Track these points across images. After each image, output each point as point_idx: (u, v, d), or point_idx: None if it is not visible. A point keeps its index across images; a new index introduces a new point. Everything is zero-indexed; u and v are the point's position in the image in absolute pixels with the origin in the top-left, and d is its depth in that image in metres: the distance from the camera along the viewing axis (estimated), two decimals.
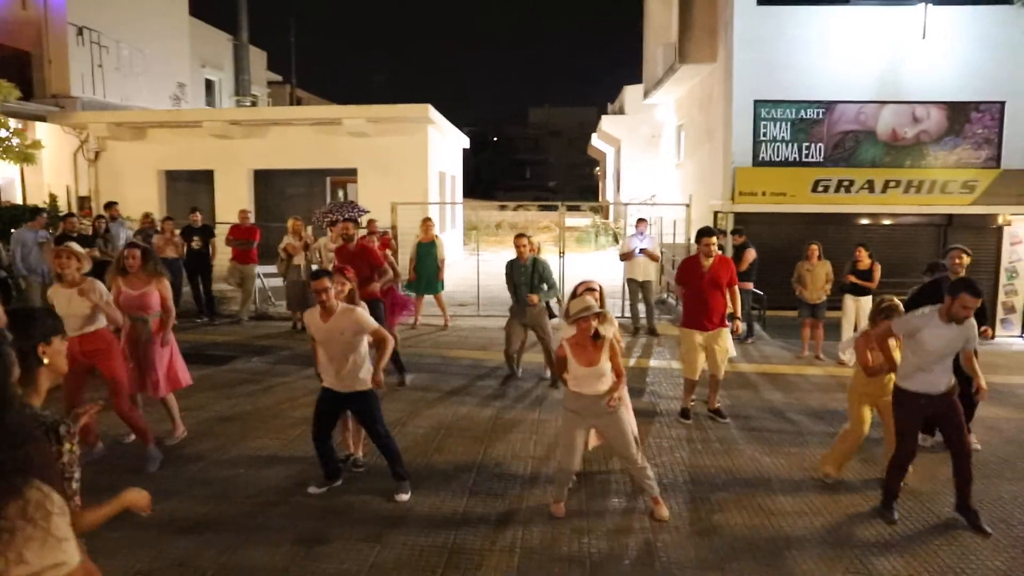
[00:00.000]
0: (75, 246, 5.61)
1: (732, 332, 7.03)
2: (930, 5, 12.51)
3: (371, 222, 11.17)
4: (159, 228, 11.07)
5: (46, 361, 2.33)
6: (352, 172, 15.62)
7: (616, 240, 22.81)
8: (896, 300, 5.56)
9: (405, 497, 5.06)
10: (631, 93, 25.26)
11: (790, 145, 13.24)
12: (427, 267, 10.93)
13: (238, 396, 7.57)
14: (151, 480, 5.35)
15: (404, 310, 9.30)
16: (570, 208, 33.81)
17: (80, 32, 15.95)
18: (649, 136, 23.13)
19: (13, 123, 13.82)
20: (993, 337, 7.01)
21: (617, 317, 8.41)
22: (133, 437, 6.06)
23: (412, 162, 14.91)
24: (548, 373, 8.12)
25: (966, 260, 6.30)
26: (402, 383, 7.89)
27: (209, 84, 23.81)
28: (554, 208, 15.70)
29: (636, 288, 10.89)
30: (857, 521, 4.90)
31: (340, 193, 19.05)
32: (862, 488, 5.42)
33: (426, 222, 10.91)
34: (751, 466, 5.87)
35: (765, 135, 13.23)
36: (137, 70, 17.87)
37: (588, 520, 4.81)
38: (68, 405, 5.45)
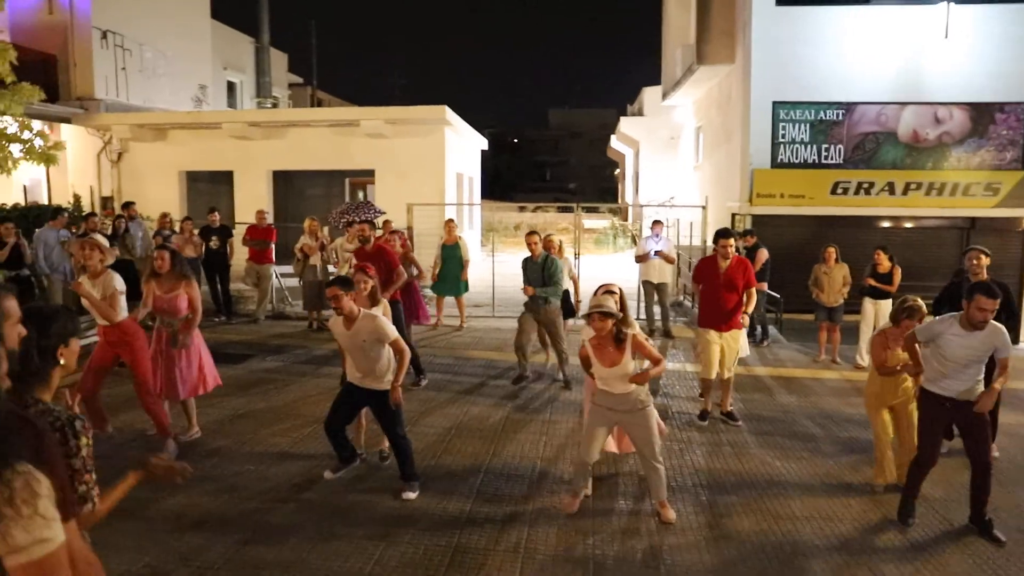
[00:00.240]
0: (99, 238, 5.74)
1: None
2: (952, 4, 12.33)
3: (387, 223, 11.24)
4: (178, 228, 11.21)
5: (62, 362, 2.37)
6: (370, 173, 15.72)
7: (634, 242, 22.73)
8: (919, 300, 5.48)
9: (412, 495, 5.08)
10: (650, 95, 25.18)
11: (809, 147, 13.11)
12: (451, 269, 10.98)
13: (252, 394, 7.64)
14: None
15: (420, 316, 9.29)
16: (588, 210, 33.93)
17: (104, 36, 16.21)
18: (668, 138, 23.03)
19: (37, 125, 14.08)
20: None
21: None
22: (193, 434, 6.25)
23: (429, 163, 14.97)
24: (561, 375, 8.10)
25: (985, 261, 6.09)
26: (417, 384, 7.92)
27: (231, 86, 24.09)
28: (572, 209, 15.66)
29: (651, 290, 10.84)
30: (868, 527, 4.83)
31: (360, 194, 19.15)
32: (875, 493, 5.35)
33: (449, 224, 10.97)
34: (762, 470, 5.81)
35: (784, 136, 13.11)
36: (160, 72, 18.13)
37: (594, 522, 4.79)
38: (81, 394, 5.53)
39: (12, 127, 11.60)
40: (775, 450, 6.25)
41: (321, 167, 16.09)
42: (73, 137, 15.98)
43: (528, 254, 7.95)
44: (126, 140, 15.82)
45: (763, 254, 10.13)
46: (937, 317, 4.88)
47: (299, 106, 28.89)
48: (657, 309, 10.97)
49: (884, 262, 8.85)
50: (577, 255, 12.04)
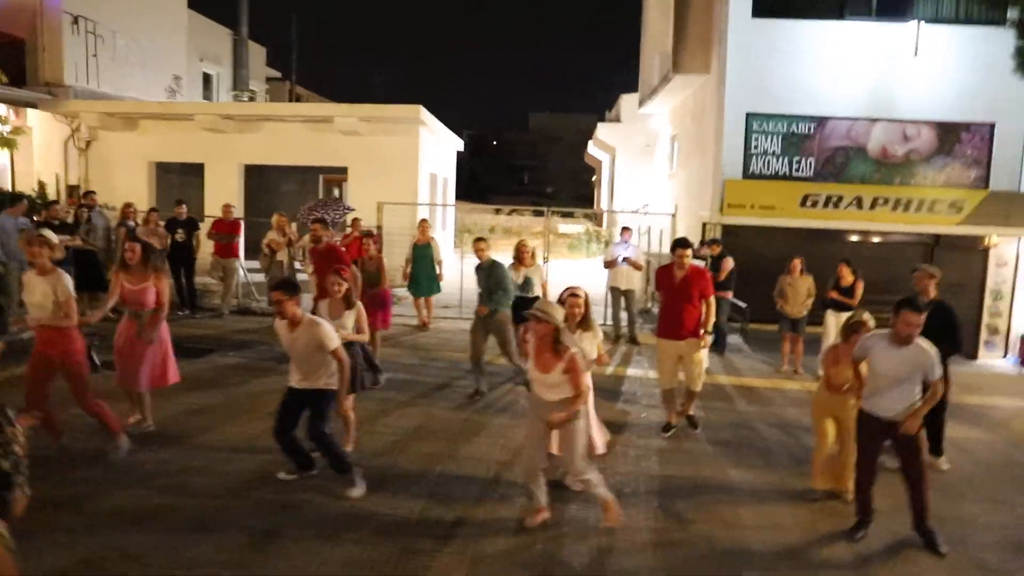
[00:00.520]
0: (49, 233, 5.62)
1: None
2: (923, 23, 12.54)
3: (355, 220, 11.16)
4: (143, 219, 11.03)
5: None
6: (343, 171, 15.59)
7: (607, 247, 22.82)
8: (866, 316, 5.54)
9: (357, 492, 5.02)
10: (627, 102, 25.28)
11: (781, 159, 13.24)
12: (423, 269, 10.92)
13: (210, 389, 7.54)
14: (110, 470, 5.32)
15: (382, 316, 9.18)
16: (564, 215, 33.96)
17: (76, 21, 15.89)
18: (644, 145, 23.17)
19: (1, 108, 13.80)
20: None
21: (599, 325, 8.40)
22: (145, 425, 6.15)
23: (402, 163, 14.88)
24: (519, 378, 8.04)
25: (929, 282, 6.16)
26: (376, 383, 7.83)
27: (207, 78, 23.76)
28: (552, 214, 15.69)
29: (619, 296, 10.88)
30: (817, 537, 4.88)
31: (335, 191, 19.01)
32: (826, 503, 5.40)
33: (423, 223, 10.91)
34: (716, 478, 5.85)
35: (756, 148, 13.23)
36: (132, 61, 17.81)
37: (545, 526, 4.78)
38: (29, 397, 5.40)
39: None
40: (731, 458, 6.30)
41: (294, 163, 15.93)
42: (40, 123, 15.65)
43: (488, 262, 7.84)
44: (95, 128, 15.53)
45: (729, 263, 10.22)
46: (869, 334, 4.96)
47: (277, 101, 28.61)
48: (624, 316, 11.01)
49: (847, 275, 8.97)
50: (546, 259, 12.04)
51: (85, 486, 5.05)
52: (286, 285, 5.04)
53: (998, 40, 12.66)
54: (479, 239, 7.87)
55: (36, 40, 15.62)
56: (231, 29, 24.48)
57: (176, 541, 4.34)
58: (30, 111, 15.40)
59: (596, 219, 31.30)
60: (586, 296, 5.33)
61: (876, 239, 13.37)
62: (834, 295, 9.00)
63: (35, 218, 10.58)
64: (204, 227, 11.68)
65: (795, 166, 13.20)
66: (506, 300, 7.57)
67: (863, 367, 4.99)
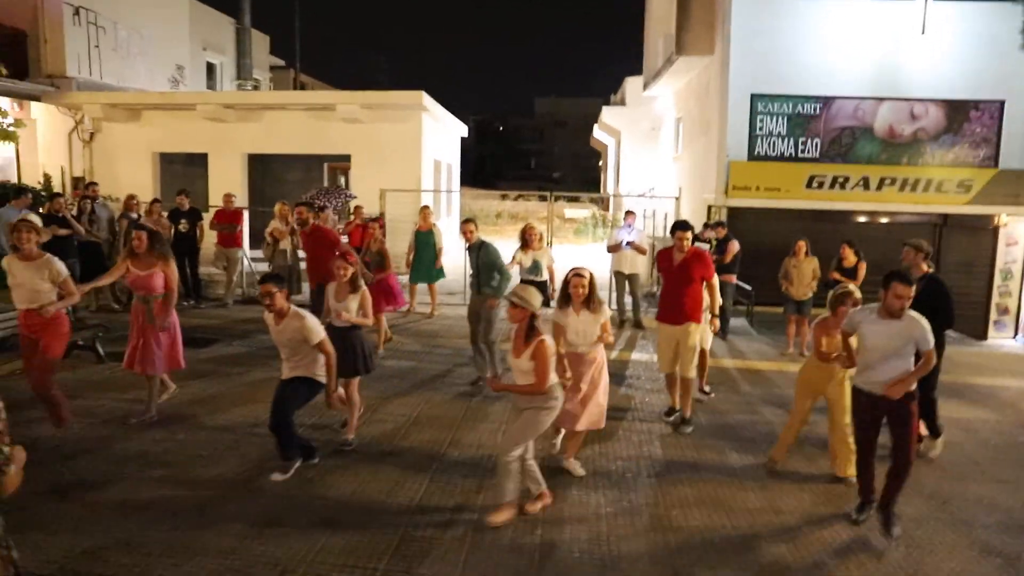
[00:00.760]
0: (34, 218, 5.65)
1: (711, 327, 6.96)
2: (930, 0, 12.35)
3: (357, 208, 11.14)
4: (146, 211, 11.03)
5: None
6: (346, 158, 15.56)
7: (612, 232, 22.74)
8: (850, 286, 5.61)
9: (279, 477, 5.02)
10: (632, 85, 25.08)
11: (786, 140, 13.11)
12: (425, 255, 10.88)
13: (213, 378, 7.56)
14: (109, 459, 5.35)
15: (394, 300, 9.26)
16: (569, 199, 33.83)
17: (77, 12, 15.87)
18: (649, 128, 22.98)
19: (5, 101, 13.83)
20: None
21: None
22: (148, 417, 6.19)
23: (405, 149, 14.83)
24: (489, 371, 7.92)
25: (917, 256, 6.02)
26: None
27: (211, 67, 23.70)
28: (556, 199, 15.58)
29: (622, 280, 10.84)
30: (817, 520, 4.85)
31: (341, 179, 18.99)
32: (829, 486, 5.37)
33: (424, 210, 10.86)
34: (718, 462, 5.82)
35: (761, 129, 13.10)
36: (135, 52, 17.80)
37: (543, 510, 4.77)
38: (28, 377, 5.49)
39: None
40: (734, 442, 6.27)
41: (297, 151, 15.91)
42: (43, 115, 15.68)
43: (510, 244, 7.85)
44: (98, 120, 15.54)
45: (734, 246, 10.14)
46: (858, 308, 4.91)
47: (281, 89, 28.53)
48: (628, 300, 10.97)
49: (850, 256, 8.90)
50: (549, 243, 11.97)
51: (87, 475, 5.08)
52: (275, 278, 5.05)
53: (1007, 17, 12.49)
54: (467, 220, 7.70)
55: (38, 32, 15.61)
56: (234, 18, 24.35)
57: (176, 529, 4.36)
58: (34, 104, 15.43)
59: (602, 203, 31.17)
60: (591, 276, 5.31)
61: (884, 219, 13.25)
62: (836, 276, 8.92)
63: (40, 210, 10.61)
64: (208, 217, 11.68)
65: (801, 147, 13.08)
66: (498, 281, 7.23)
67: (853, 341, 4.94)
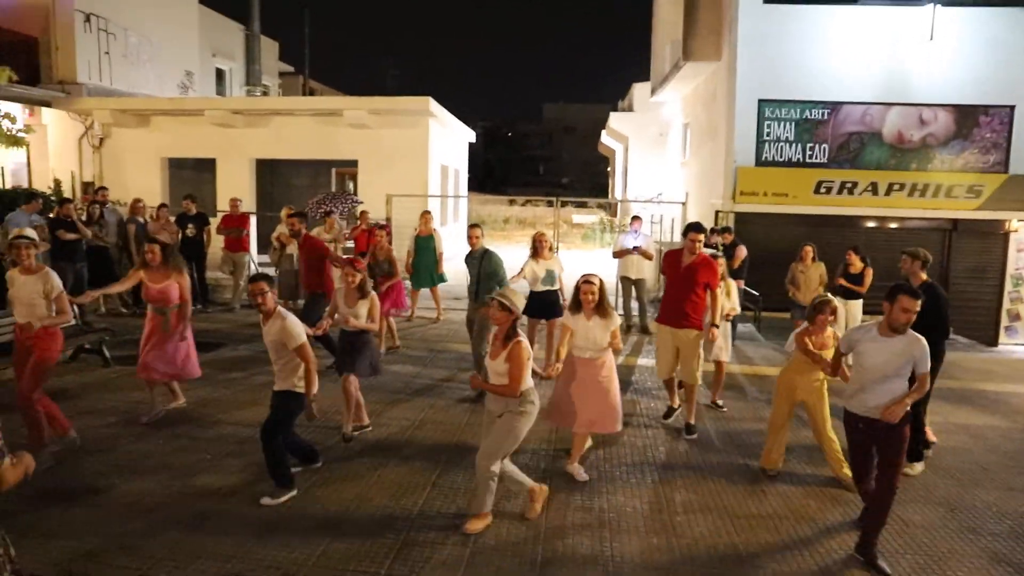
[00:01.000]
0: (30, 232, 5.70)
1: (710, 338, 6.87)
2: (938, 6, 12.31)
3: (363, 213, 11.16)
4: (153, 215, 11.10)
5: None
6: (354, 164, 15.60)
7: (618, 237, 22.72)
8: (828, 295, 5.64)
9: (271, 501, 4.79)
10: (640, 91, 25.08)
11: (794, 145, 13.08)
12: (425, 260, 10.86)
13: (219, 382, 7.57)
14: (114, 463, 5.36)
15: (398, 304, 9.31)
16: (577, 205, 33.80)
17: (88, 19, 16.01)
18: (656, 134, 22.98)
19: (15, 107, 13.95)
20: None
21: None
22: (151, 417, 6.26)
23: (412, 155, 14.86)
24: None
25: (914, 264, 5.94)
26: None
27: (220, 74, 23.86)
28: (564, 204, 15.57)
29: (629, 285, 10.80)
30: (827, 526, 4.80)
31: (350, 184, 19.04)
32: (836, 492, 5.32)
33: (425, 215, 10.84)
34: (723, 468, 5.77)
35: (769, 135, 13.08)
36: (144, 58, 17.93)
37: (545, 516, 4.75)
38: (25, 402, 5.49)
39: None
40: (739, 448, 6.22)
41: (305, 156, 15.96)
42: (54, 121, 15.81)
43: (509, 250, 7.82)
44: (108, 125, 15.65)
45: (742, 251, 10.10)
46: (857, 326, 4.85)
47: (290, 95, 28.67)
48: (635, 305, 10.94)
49: (856, 262, 8.84)
50: (556, 249, 11.95)
51: (93, 478, 5.09)
52: (267, 277, 5.03)
53: (1017, 22, 12.43)
54: (473, 225, 7.63)
55: (49, 39, 15.76)
56: (243, 24, 24.53)
57: (179, 533, 4.35)
58: (44, 109, 15.56)
59: (610, 209, 31.14)
60: (601, 282, 5.32)
61: (892, 225, 13.18)
62: (842, 282, 8.87)
63: (50, 215, 10.68)
64: (216, 222, 11.73)
65: (808, 152, 13.04)
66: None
67: (848, 360, 4.80)
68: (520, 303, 4.54)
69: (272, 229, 11.18)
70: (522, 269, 7.95)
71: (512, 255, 11.65)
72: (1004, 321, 13.07)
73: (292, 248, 10.61)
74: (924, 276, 5.82)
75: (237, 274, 11.48)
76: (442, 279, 11.05)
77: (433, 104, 14.80)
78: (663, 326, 6.55)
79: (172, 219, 11.01)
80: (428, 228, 10.75)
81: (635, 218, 10.75)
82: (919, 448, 5.83)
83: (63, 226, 9.84)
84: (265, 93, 23.76)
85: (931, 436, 6.14)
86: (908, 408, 4.25)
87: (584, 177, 64.71)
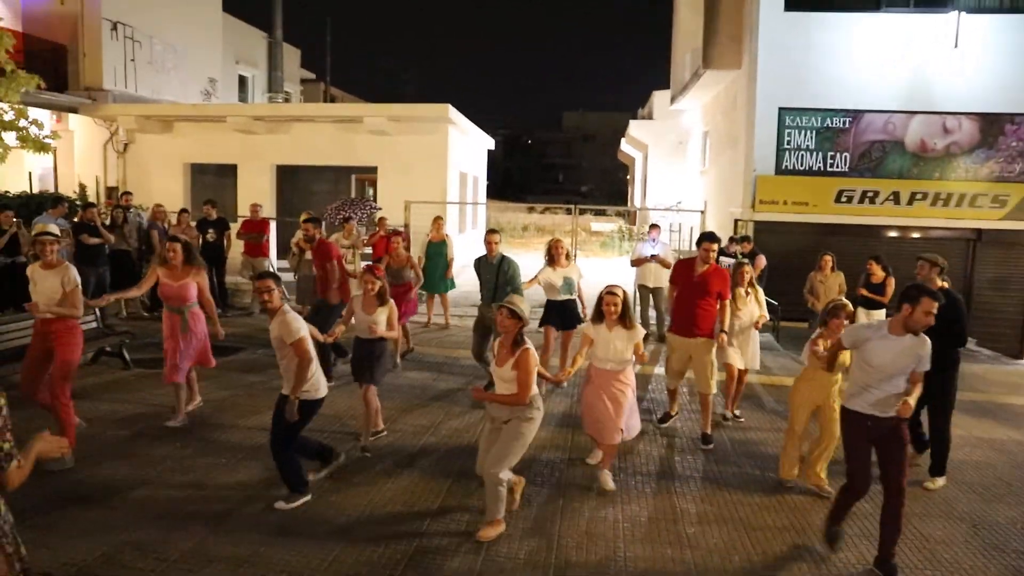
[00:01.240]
0: (53, 228, 5.82)
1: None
2: (963, 13, 12.16)
3: (382, 220, 11.21)
4: (176, 220, 11.24)
5: None
6: (373, 170, 15.70)
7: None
8: (843, 299, 5.54)
9: (284, 505, 4.80)
10: (660, 99, 25.03)
11: (815, 154, 12.98)
12: (437, 266, 10.88)
13: (236, 387, 7.62)
14: (131, 465, 5.40)
15: (410, 311, 9.25)
16: (596, 212, 33.76)
17: (114, 27, 16.29)
18: (676, 142, 22.92)
19: (43, 113, 14.19)
20: None
21: None
22: (177, 422, 6.25)
23: (431, 161, 14.92)
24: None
25: (932, 271, 5.87)
26: (343, 356, 7.85)
27: (242, 80, 24.17)
28: (582, 212, 15.56)
29: (647, 294, 10.75)
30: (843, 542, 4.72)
31: (369, 191, 19.17)
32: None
33: (437, 221, 10.86)
34: (740, 479, 5.71)
35: (789, 143, 12.99)
36: (169, 65, 18.21)
37: (559, 526, 4.73)
38: (25, 386, 5.56)
39: (8, 114, 11.64)
40: (756, 459, 6.16)
41: (325, 163, 16.10)
42: (80, 127, 16.09)
43: (529, 256, 7.72)
44: (132, 131, 15.89)
45: (761, 260, 10.03)
46: (866, 322, 4.73)
47: (311, 102, 28.95)
48: (653, 313, 10.88)
49: (877, 272, 8.73)
50: (574, 256, 11.91)
51: (109, 481, 5.14)
52: (273, 275, 5.06)
53: None
54: (491, 231, 7.57)
55: (77, 46, 16.06)
56: (266, 32, 24.85)
57: (193, 536, 4.38)
58: (71, 115, 15.84)
59: (629, 217, 31.07)
60: (625, 294, 5.26)
61: (915, 235, 13.00)
62: (864, 292, 8.75)
63: (75, 219, 10.85)
64: (236, 227, 11.85)
65: (829, 161, 12.93)
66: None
67: (846, 355, 4.79)
68: (527, 310, 4.57)
69: (291, 234, 11.27)
70: (536, 276, 7.71)
71: (531, 262, 11.62)
72: None
73: (311, 254, 10.69)
74: (940, 282, 5.76)
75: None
76: (452, 285, 11.06)
77: (452, 111, 14.86)
78: (675, 336, 6.56)
79: (193, 224, 11.14)
80: (440, 234, 10.76)
81: (653, 226, 10.71)
82: (939, 460, 5.74)
83: (86, 230, 9.99)
84: (287, 100, 24.02)
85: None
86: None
87: (604, 185, 64.62)
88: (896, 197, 12.55)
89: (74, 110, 15.65)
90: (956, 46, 12.22)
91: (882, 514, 4.36)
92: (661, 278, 10.71)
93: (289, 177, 17.20)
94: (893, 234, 13.00)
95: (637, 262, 10.55)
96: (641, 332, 5.28)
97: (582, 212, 31.28)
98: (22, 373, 5.73)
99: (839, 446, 4.87)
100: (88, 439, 5.86)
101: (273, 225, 13.30)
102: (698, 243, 6.58)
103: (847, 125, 12.83)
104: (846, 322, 5.31)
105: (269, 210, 14.73)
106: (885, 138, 12.78)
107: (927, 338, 4.25)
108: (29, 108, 12.35)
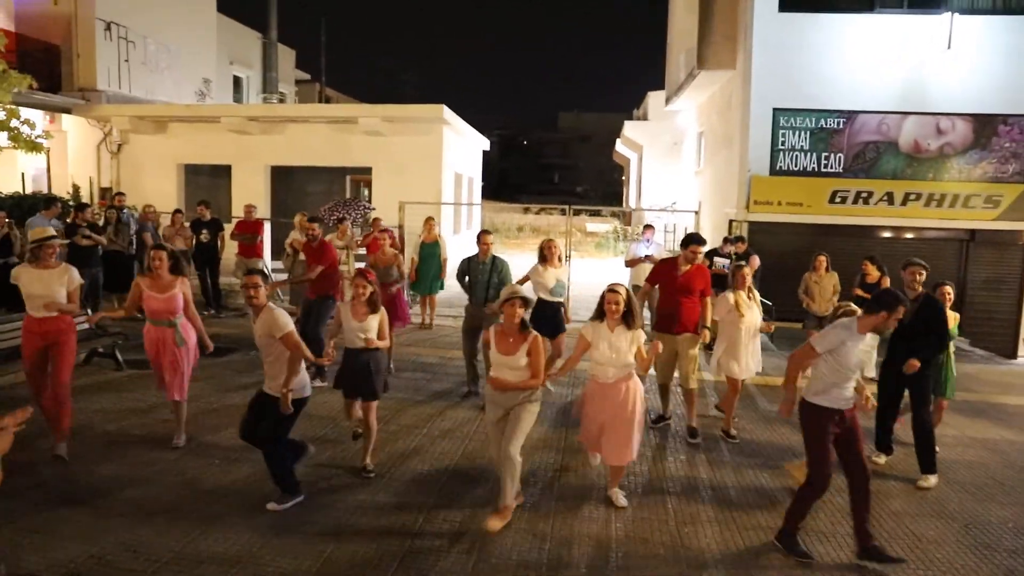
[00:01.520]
0: (50, 231, 5.80)
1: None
2: (956, 14, 12.19)
3: (376, 220, 11.19)
4: (169, 221, 11.21)
5: None
6: (368, 171, 15.69)
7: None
8: (852, 305, 5.41)
9: (276, 507, 4.76)
10: (655, 99, 25.06)
11: (809, 155, 12.98)
12: (430, 267, 10.87)
13: (229, 389, 7.60)
14: (124, 469, 5.38)
15: (403, 319, 8.95)
16: (591, 213, 33.77)
17: (108, 27, 16.26)
18: (671, 143, 22.94)
19: (36, 113, 14.14)
20: None
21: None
22: (181, 440, 5.96)
23: (426, 162, 14.92)
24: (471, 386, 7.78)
25: (923, 277, 5.96)
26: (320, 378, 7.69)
27: (237, 81, 24.14)
28: (577, 213, 15.56)
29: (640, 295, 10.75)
30: (832, 540, 4.73)
31: (365, 192, 19.15)
32: (845, 504, 5.24)
33: (429, 222, 10.83)
34: (733, 478, 5.72)
35: (783, 144, 12.99)
36: (163, 65, 18.17)
37: (551, 526, 4.72)
38: (32, 388, 5.56)
39: None
40: (750, 459, 6.16)
41: (319, 163, 16.08)
42: (74, 128, 16.05)
43: (473, 254, 7.54)
44: (126, 132, 15.86)
45: (755, 261, 10.03)
46: (835, 323, 4.60)
47: (307, 103, 28.93)
48: (647, 314, 10.87)
49: (872, 272, 8.74)
50: (568, 257, 11.92)
51: (101, 481, 5.12)
52: (262, 272, 5.02)
53: None
54: (485, 232, 7.56)
55: (71, 47, 16.02)
56: (261, 32, 24.82)
57: (185, 537, 4.36)
58: (64, 116, 15.80)
59: (624, 217, 31.10)
60: (628, 293, 5.00)
61: (909, 235, 13.02)
62: (859, 292, 8.76)
63: (67, 220, 10.81)
64: (230, 228, 11.82)
65: (824, 162, 12.94)
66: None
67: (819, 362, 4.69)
68: (528, 293, 4.80)
69: (285, 235, 11.24)
70: (527, 275, 7.56)
71: (526, 264, 11.62)
72: (1023, 333, 12.87)
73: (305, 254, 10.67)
74: (920, 288, 5.93)
75: None
76: (441, 286, 11.04)
77: (447, 112, 14.86)
78: (660, 333, 6.62)
79: (187, 225, 11.11)
80: (432, 234, 10.75)
81: (647, 227, 10.73)
82: (928, 455, 5.81)
83: (79, 231, 9.95)
84: (282, 100, 24.02)
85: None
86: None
87: (599, 186, 64.70)
88: (890, 198, 12.57)
89: (67, 111, 15.61)
90: (949, 47, 12.24)
91: (853, 503, 4.48)
92: None
93: (283, 178, 17.16)
94: (887, 235, 13.01)
95: (631, 263, 10.57)
96: (642, 335, 5.02)
97: (577, 213, 31.36)
98: (29, 380, 5.70)
99: None
100: (80, 440, 5.84)
101: (267, 226, 13.27)
102: (684, 244, 6.62)
103: (841, 126, 12.85)
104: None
105: (263, 211, 14.70)
106: (879, 139, 12.80)
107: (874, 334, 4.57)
108: (22, 108, 12.31)
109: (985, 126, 12.61)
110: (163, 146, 15.79)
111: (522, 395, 4.65)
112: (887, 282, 8.80)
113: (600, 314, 5.01)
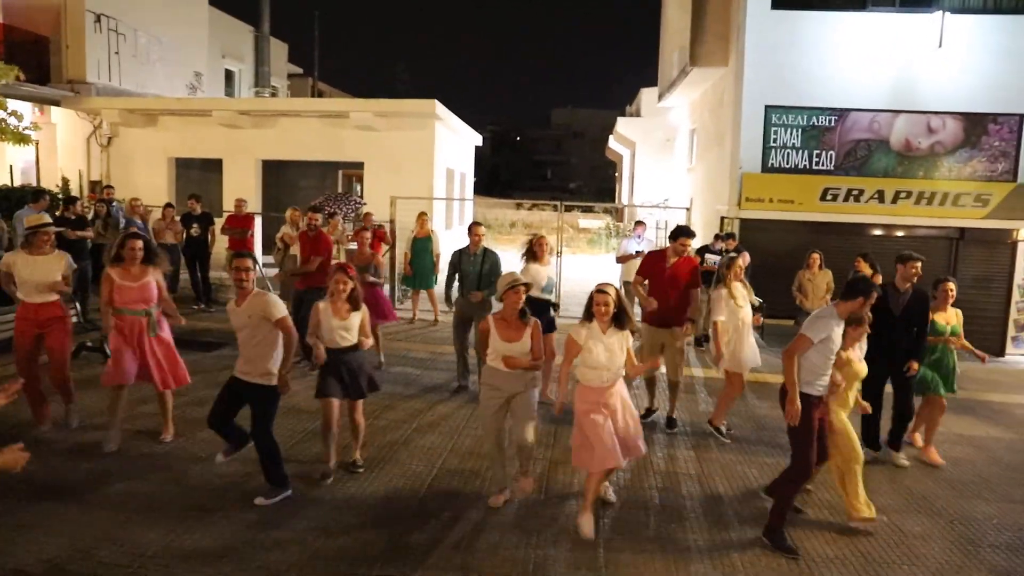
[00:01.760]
0: (45, 217, 5.82)
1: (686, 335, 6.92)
2: (948, 13, 12.23)
3: (367, 215, 11.16)
4: (160, 215, 11.14)
5: None
6: (360, 166, 15.63)
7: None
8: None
9: (264, 501, 4.75)
10: (647, 96, 25.08)
11: (800, 152, 13.01)
12: (424, 262, 10.85)
13: (218, 383, 7.51)
14: (111, 463, 5.36)
15: (384, 315, 8.68)
16: (583, 209, 33.77)
17: (98, 19, 16.13)
18: (663, 139, 22.93)
19: (24, 105, 14.04)
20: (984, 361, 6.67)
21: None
22: (169, 436, 5.92)
23: (418, 157, 14.87)
24: (462, 380, 7.81)
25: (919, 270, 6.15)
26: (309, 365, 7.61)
27: (229, 75, 23.99)
28: (569, 209, 15.56)
29: (631, 291, 10.76)
30: (819, 536, 4.75)
31: (356, 187, 19.09)
32: (835, 501, 5.27)
33: (421, 217, 10.82)
34: (721, 475, 5.74)
35: (775, 141, 13.01)
36: (154, 58, 18.03)
37: (540, 522, 4.73)
38: (22, 373, 5.54)
39: None
40: (738, 455, 6.19)
41: (311, 158, 16.00)
42: (63, 120, 15.91)
43: (463, 247, 7.58)
44: (116, 125, 15.73)
45: (745, 257, 10.03)
46: (821, 311, 4.66)
47: (299, 97, 28.79)
48: (638, 310, 10.88)
49: (865, 269, 8.78)
50: (559, 253, 11.93)
51: (87, 475, 5.10)
52: (253, 256, 5.04)
53: None
54: (476, 223, 7.57)
55: (60, 38, 15.87)
56: (253, 26, 24.67)
57: (171, 531, 4.34)
58: (53, 108, 15.65)
59: (616, 214, 31.11)
60: (617, 293, 4.79)
61: (899, 233, 13.07)
62: None
63: (56, 213, 10.73)
64: (220, 222, 11.77)
65: (815, 159, 12.97)
66: (493, 291, 6.88)
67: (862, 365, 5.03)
68: (527, 280, 4.97)
69: (276, 229, 11.19)
70: (522, 272, 7.33)
71: (517, 259, 11.62)
72: (1011, 331, 12.95)
73: (296, 248, 10.62)
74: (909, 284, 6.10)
75: None
76: (436, 281, 11.04)
77: (439, 107, 14.81)
78: (648, 325, 6.68)
79: (177, 219, 11.05)
80: (425, 229, 10.74)
81: (639, 223, 10.75)
82: (900, 432, 6.18)
83: (67, 224, 9.87)
84: (274, 94, 23.88)
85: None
86: None
87: (592, 182, 64.71)
88: (881, 196, 12.61)
89: (56, 103, 15.46)
90: (940, 46, 12.29)
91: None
92: None
93: (275, 172, 17.09)
94: (878, 232, 13.06)
95: (623, 259, 10.58)
96: (630, 339, 4.81)
97: (569, 209, 31.35)
98: (18, 365, 5.71)
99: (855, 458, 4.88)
100: (65, 434, 5.82)
101: (258, 220, 13.22)
102: (673, 236, 6.65)
103: (833, 123, 12.88)
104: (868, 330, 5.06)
105: (254, 205, 14.64)
106: (870, 137, 12.83)
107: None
108: (9, 100, 12.20)
109: (975, 125, 12.67)
110: (154, 139, 15.68)
111: (525, 381, 4.79)
112: (879, 279, 8.85)
113: (589, 315, 4.74)
